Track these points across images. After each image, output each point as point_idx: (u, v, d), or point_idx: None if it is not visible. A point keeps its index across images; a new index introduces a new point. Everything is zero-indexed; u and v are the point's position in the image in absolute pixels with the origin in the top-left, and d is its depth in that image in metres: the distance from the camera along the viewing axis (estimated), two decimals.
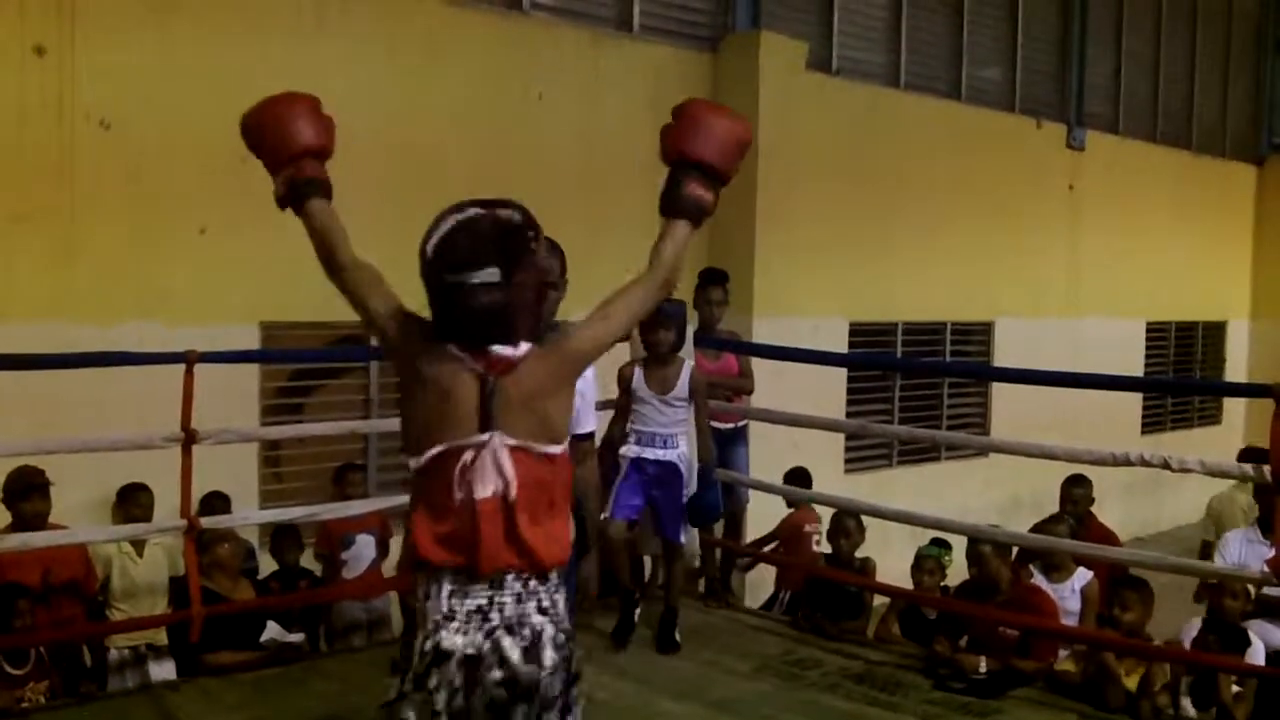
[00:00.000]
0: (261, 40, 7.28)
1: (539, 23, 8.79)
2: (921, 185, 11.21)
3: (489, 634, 2.45)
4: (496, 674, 2.43)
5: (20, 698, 5.23)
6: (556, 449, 2.55)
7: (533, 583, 2.50)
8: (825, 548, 7.17)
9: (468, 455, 2.46)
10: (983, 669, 5.53)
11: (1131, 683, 5.26)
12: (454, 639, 2.44)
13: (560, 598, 2.55)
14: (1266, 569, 4.94)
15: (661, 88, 9.42)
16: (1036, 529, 6.85)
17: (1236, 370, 16.50)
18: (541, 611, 2.50)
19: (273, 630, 5.86)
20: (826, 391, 9.73)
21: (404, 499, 6.27)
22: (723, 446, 6.67)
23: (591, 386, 3.53)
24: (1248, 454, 6.72)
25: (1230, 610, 5.50)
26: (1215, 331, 16.45)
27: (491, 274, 2.45)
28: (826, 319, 10.05)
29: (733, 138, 2.93)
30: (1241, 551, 6.23)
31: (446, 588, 2.47)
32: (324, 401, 7.98)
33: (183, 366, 5.34)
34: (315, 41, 7.52)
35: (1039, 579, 6.30)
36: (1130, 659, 5.34)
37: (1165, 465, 5.28)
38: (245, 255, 7.18)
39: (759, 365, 7.31)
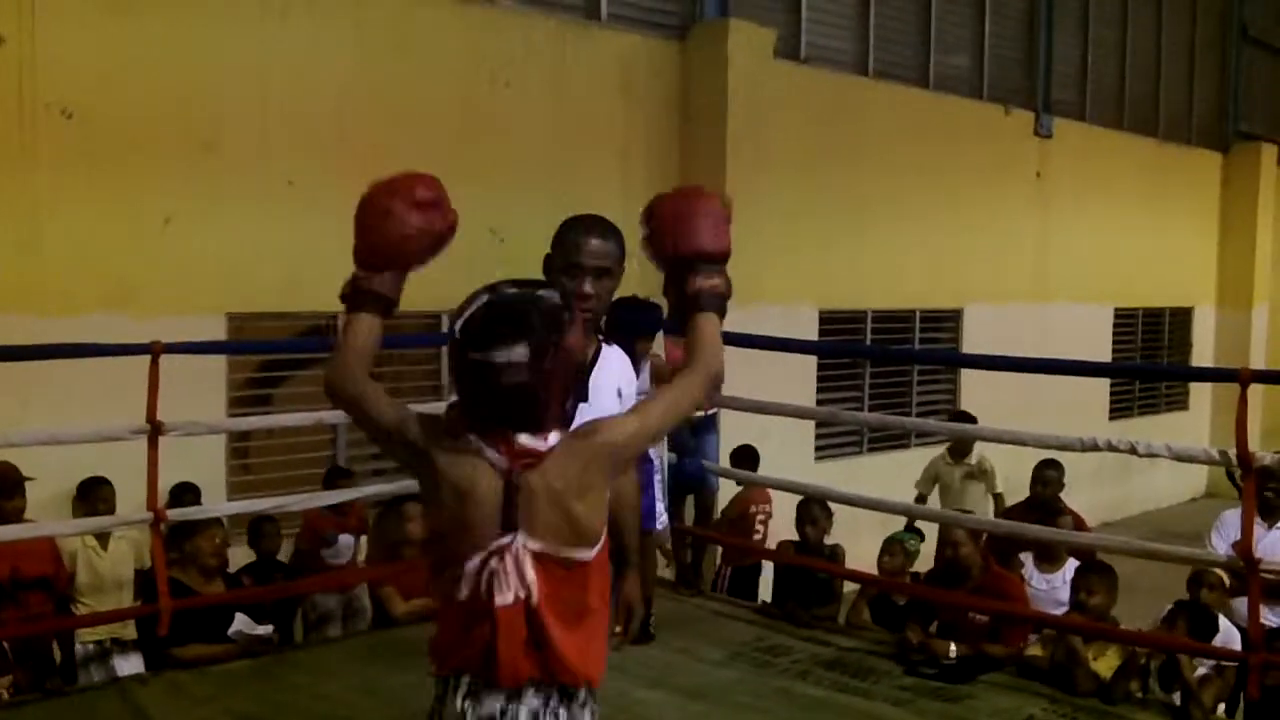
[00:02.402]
0: (225, 28, 7.23)
1: (506, 11, 8.75)
2: (890, 173, 11.23)
3: None
4: None
5: None
6: (588, 553, 2.38)
7: (553, 700, 2.36)
8: (772, 530, 7.22)
9: (490, 560, 2.31)
10: (953, 654, 5.55)
11: (1100, 667, 5.29)
12: None
13: (587, 715, 2.41)
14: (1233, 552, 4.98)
15: (630, 76, 9.43)
16: (1007, 515, 6.90)
17: (1203, 356, 16.62)
18: None
19: (241, 622, 5.81)
20: (797, 379, 9.74)
21: (373, 489, 6.34)
22: (693, 435, 6.68)
23: (633, 388, 3.39)
24: None
25: (1208, 602, 5.55)
26: (1182, 317, 16.56)
27: (520, 353, 2.31)
28: (796, 307, 10.06)
29: (715, 215, 2.78)
30: (1237, 530, 6.26)
31: (463, 688, 2.35)
32: (292, 393, 7.93)
33: (148, 358, 5.29)
34: (280, 30, 7.46)
35: (1029, 569, 6.33)
36: (1098, 643, 5.37)
37: (1133, 450, 5.32)
38: (211, 246, 7.13)
39: (729, 353, 7.29)
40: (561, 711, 2.36)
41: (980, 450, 8.50)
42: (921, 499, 8.66)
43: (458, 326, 2.38)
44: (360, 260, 2.69)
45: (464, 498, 2.33)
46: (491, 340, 2.32)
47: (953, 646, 5.59)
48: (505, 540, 2.30)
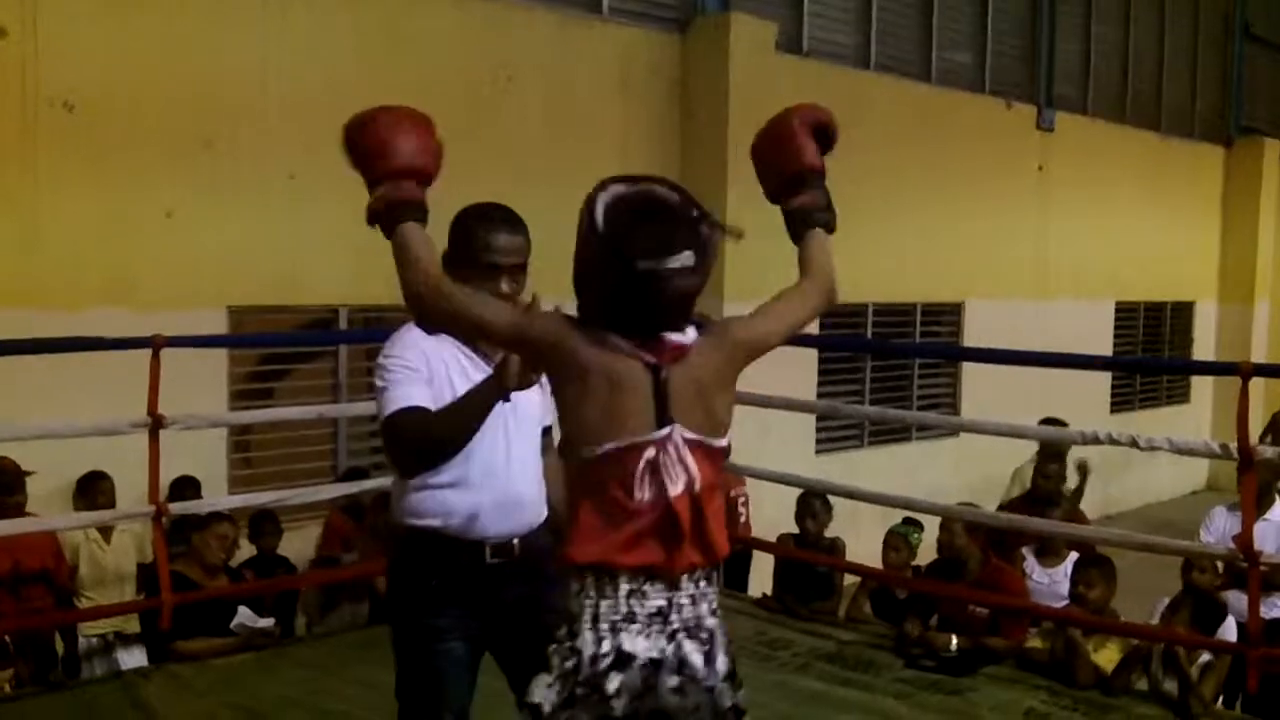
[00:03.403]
0: (226, 23, 7.23)
1: (506, 6, 8.74)
2: (892, 167, 11.22)
3: (671, 637, 2.31)
4: (674, 680, 2.30)
5: None
6: (725, 441, 2.40)
7: (703, 583, 2.36)
8: (748, 514, 7.25)
9: (650, 451, 2.29)
10: (954, 647, 5.57)
11: (1101, 659, 5.30)
12: (636, 642, 2.29)
13: (716, 597, 2.42)
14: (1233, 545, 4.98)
15: (630, 70, 9.43)
16: (1008, 508, 6.89)
17: (1204, 350, 16.62)
18: (713, 613, 2.38)
19: (243, 616, 5.82)
20: (797, 373, 9.74)
21: (373, 483, 6.35)
22: None
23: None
24: None
25: (1199, 584, 5.55)
26: (1183, 312, 16.56)
27: (687, 259, 2.27)
28: None
29: (805, 135, 2.81)
30: (1225, 526, 6.28)
31: (624, 588, 2.31)
32: (294, 386, 7.94)
33: (149, 352, 5.30)
34: (280, 24, 7.46)
35: (1030, 562, 6.33)
36: (1099, 636, 5.38)
37: (1134, 444, 5.32)
38: (212, 239, 7.14)
39: None
40: (710, 593, 2.38)
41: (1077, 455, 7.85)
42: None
43: (603, 223, 2.31)
44: (376, 175, 2.63)
45: (615, 388, 2.30)
46: (659, 249, 2.27)
47: (953, 639, 5.60)
48: (664, 432, 2.30)
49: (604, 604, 2.31)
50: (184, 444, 5.91)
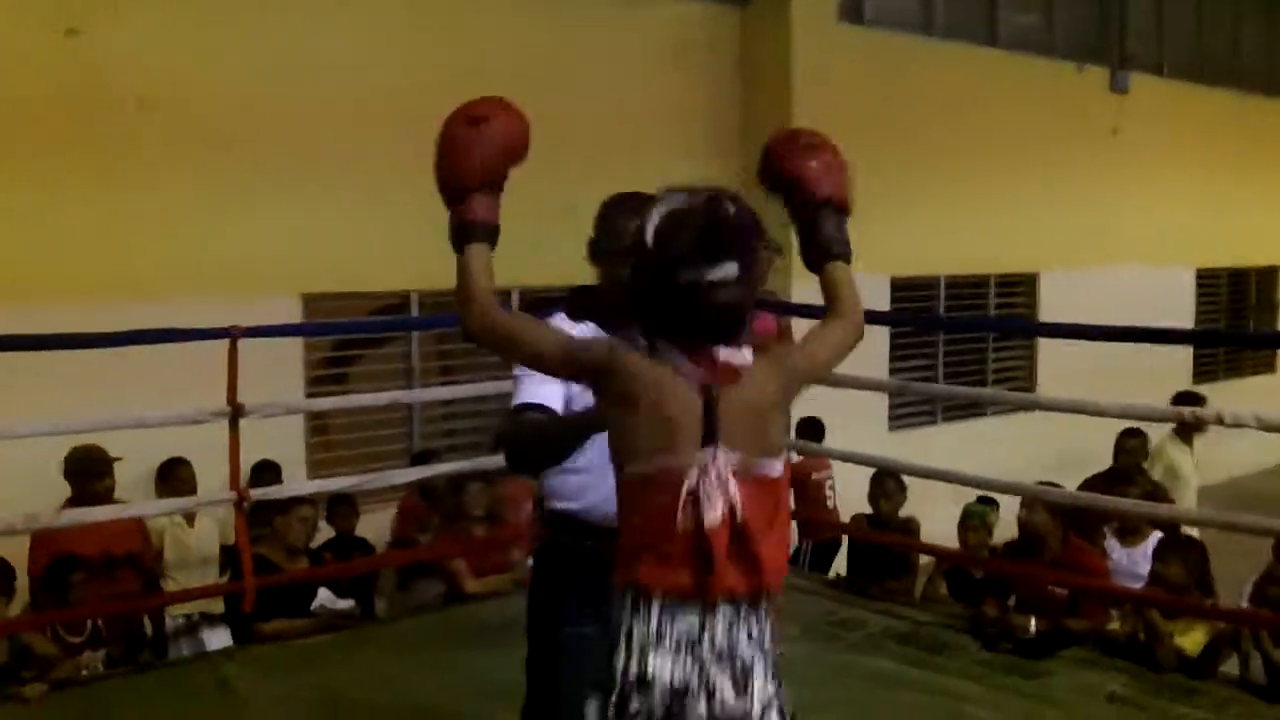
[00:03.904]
0: (290, 14, 7.32)
1: None
2: (960, 135, 11.06)
3: (698, 662, 2.26)
4: (702, 708, 2.25)
5: (80, 666, 5.32)
6: (779, 466, 2.35)
7: (744, 609, 2.29)
8: (835, 497, 7.22)
9: (692, 475, 2.25)
10: (1032, 630, 5.51)
11: (1186, 643, 5.22)
12: (661, 666, 2.26)
13: (768, 626, 2.35)
14: None
15: (690, 46, 9.38)
16: (1088, 485, 6.81)
17: None
18: (751, 640, 2.30)
19: (324, 597, 5.93)
20: (869, 348, 9.54)
21: (448, 467, 6.41)
22: None
23: None
24: None
25: None
26: (1268, 277, 16.18)
27: (730, 270, 2.26)
28: (867, 276, 9.80)
29: (843, 166, 2.79)
30: None
31: (656, 607, 2.28)
32: (367, 370, 8.03)
33: (228, 341, 5.39)
34: (342, 13, 7.56)
35: (1111, 542, 6.26)
36: (1185, 619, 5.30)
37: (1219, 421, 5.21)
38: (285, 227, 7.22)
39: (799, 325, 7.27)
40: (751, 619, 2.30)
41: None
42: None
43: (650, 241, 2.31)
44: (447, 193, 2.63)
45: (664, 406, 2.28)
46: (700, 259, 2.26)
47: (1032, 622, 5.55)
48: (707, 455, 2.26)
49: (637, 624, 2.29)
50: (263, 429, 5.98)
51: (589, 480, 3.04)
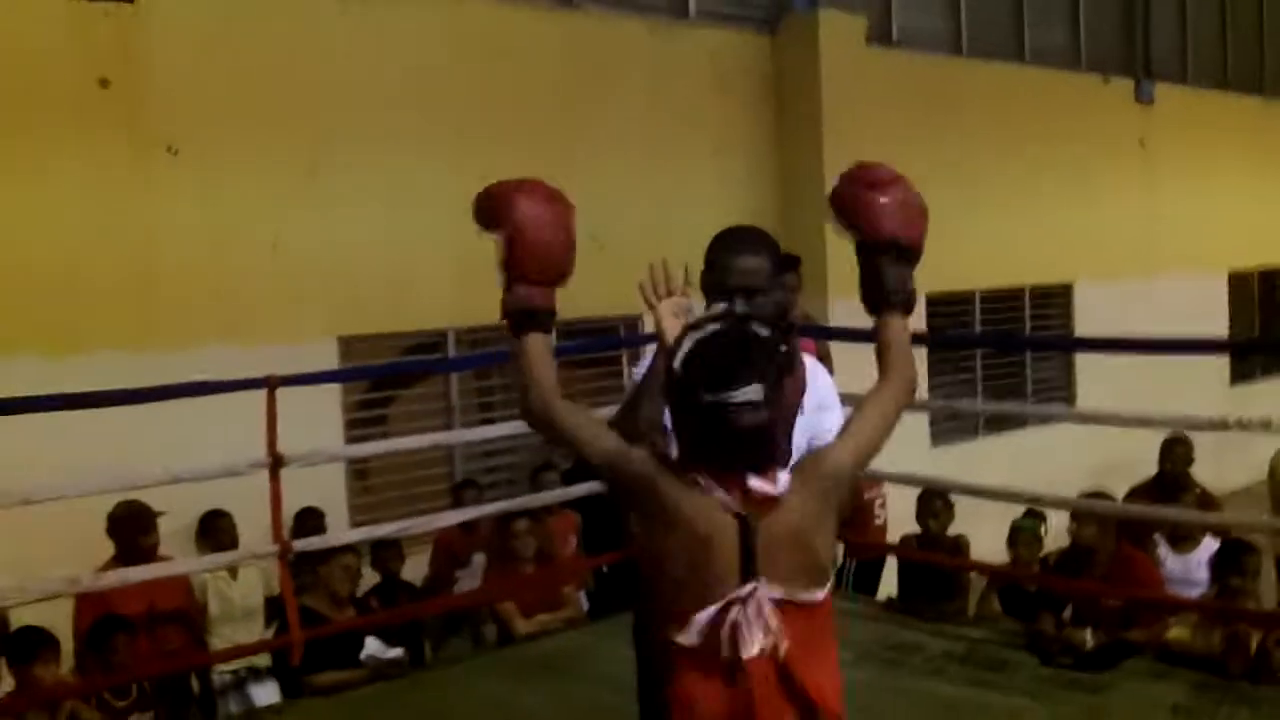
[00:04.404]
0: (320, 48, 7.36)
1: (595, 17, 8.75)
2: (991, 151, 11.05)
3: None
4: None
5: None
6: (821, 594, 2.31)
7: None
8: (885, 515, 7.16)
9: (733, 611, 2.22)
10: (1089, 642, 5.42)
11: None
12: None
13: None
14: None
15: (722, 72, 9.42)
16: (1135, 494, 6.72)
17: None
18: None
19: (372, 646, 5.85)
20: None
21: (494, 507, 6.37)
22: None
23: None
24: None
25: None
26: None
27: (754, 392, 2.23)
28: None
29: (923, 214, 2.77)
30: None
31: None
32: (406, 410, 8.01)
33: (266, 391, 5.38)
34: (376, 48, 7.58)
35: (1164, 550, 6.17)
36: (1242, 625, 5.20)
37: (1265, 427, 5.13)
38: (318, 270, 7.22)
39: (838, 349, 7.21)
40: None
41: None
42: None
43: (679, 366, 2.30)
44: (525, 278, 2.61)
45: (703, 543, 2.24)
46: (724, 380, 2.24)
47: (1089, 634, 5.45)
48: (745, 590, 2.22)
49: None
50: (303, 475, 5.95)
51: None
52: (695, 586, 2.24)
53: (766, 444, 2.28)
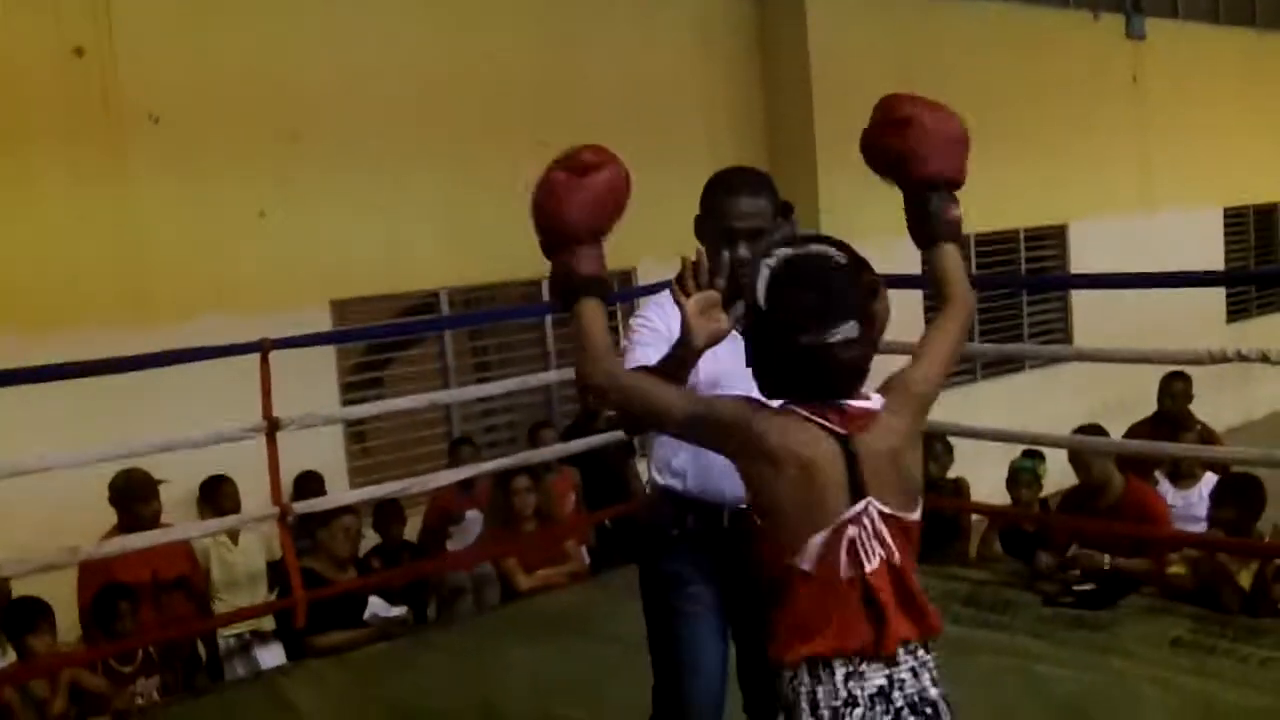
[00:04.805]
0: (301, 16, 7.30)
1: None
2: (981, 93, 10.91)
3: (895, 716, 2.24)
4: None
5: (134, 695, 5.28)
6: (917, 514, 2.33)
7: (921, 652, 2.28)
8: None
9: (850, 530, 2.23)
10: (1106, 565, 5.40)
11: (1244, 582, 5.14)
12: None
13: (936, 664, 2.33)
14: None
15: (709, 31, 9.38)
16: (1135, 431, 6.72)
17: None
18: (934, 683, 2.29)
19: (375, 606, 5.87)
20: (903, 312, 9.50)
21: (492, 464, 6.38)
22: None
23: None
24: None
25: None
26: None
27: (851, 329, 2.22)
28: (896, 238, 9.84)
29: (963, 136, 2.76)
30: None
31: (840, 671, 2.24)
32: (402, 373, 8.00)
33: (259, 355, 5.36)
34: (355, 12, 7.52)
35: (1164, 485, 6.17)
36: (1240, 558, 5.21)
37: (1264, 359, 5.11)
38: (308, 234, 7.20)
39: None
40: (929, 661, 2.30)
41: None
42: None
43: (766, 306, 2.28)
44: (549, 241, 2.60)
45: (809, 469, 2.24)
46: (822, 321, 2.22)
47: (1106, 559, 5.43)
48: (859, 508, 2.23)
49: (821, 690, 2.25)
50: (302, 439, 5.96)
51: (687, 454, 3.06)
52: (808, 512, 2.24)
53: (861, 375, 2.29)
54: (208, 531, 5.95)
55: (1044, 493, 6.58)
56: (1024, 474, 6.38)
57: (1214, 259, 14.13)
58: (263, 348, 5.36)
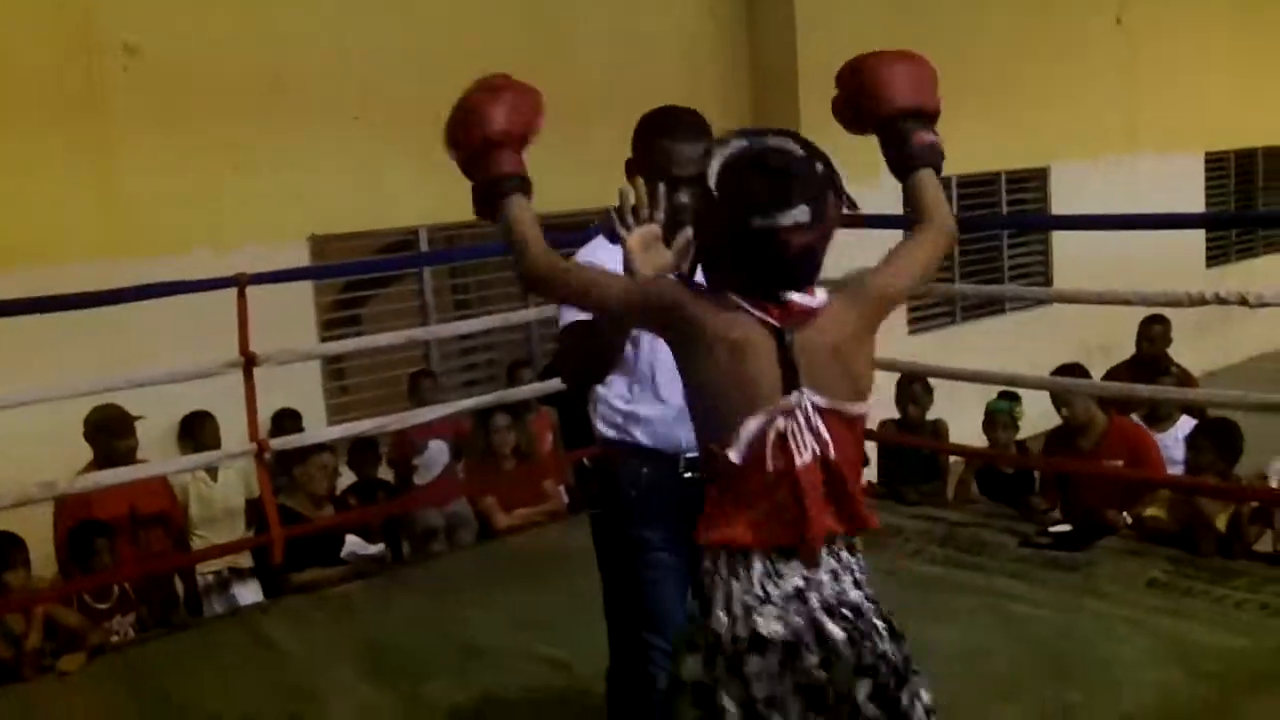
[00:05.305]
0: None
1: None
2: (961, 33, 10.87)
3: (809, 618, 2.19)
4: (814, 658, 2.18)
5: (110, 631, 5.28)
6: (864, 407, 2.27)
7: (845, 555, 2.24)
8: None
9: (780, 421, 2.18)
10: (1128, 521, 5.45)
11: (1219, 523, 5.18)
12: (772, 625, 2.18)
13: (865, 566, 2.28)
14: None
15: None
16: (1114, 374, 6.73)
17: None
18: (857, 585, 2.23)
19: (352, 544, 5.88)
20: (883, 254, 9.57)
21: (469, 401, 6.36)
22: None
23: None
24: None
25: None
26: (1275, 155, 15.98)
27: (803, 213, 2.16)
28: (879, 180, 9.78)
29: (930, 73, 2.68)
30: None
31: (758, 567, 2.21)
32: (381, 310, 7.96)
33: (235, 290, 5.32)
34: None
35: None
36: (1220, 501, 5.24)
37: (1243, 301, 5.12)
38: (287, 171, 7.12)
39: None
40: (854, 565, 2.25)
41: None
42: None
43: (716, 182, 2.24)
44: (468, 156, 2.57)
45: (740, 353, 2.19)
46: (774, 204, 2.16)
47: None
48: (792, 399, 2.18)
49: (735, 585, 2.22)
50: (280, 377, 5.94)
51: (641, 404, 3.01)
52: (738, 396, 2.20)
53: (812, 264, 2.24)
54: (184, 468, 5.93)
55: (1022, 435, 6.58)
56: (1000, 415, 6.36)
57: (1194, 204, 14.09)
58: (239, 283, 5.32)
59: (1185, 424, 6.07)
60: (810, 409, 2.19)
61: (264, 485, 5.58)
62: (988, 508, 6.10)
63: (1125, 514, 5.50)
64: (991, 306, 11.54)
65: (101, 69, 6.54)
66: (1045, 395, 6.11)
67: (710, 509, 2.26)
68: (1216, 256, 14.63)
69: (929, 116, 2.64)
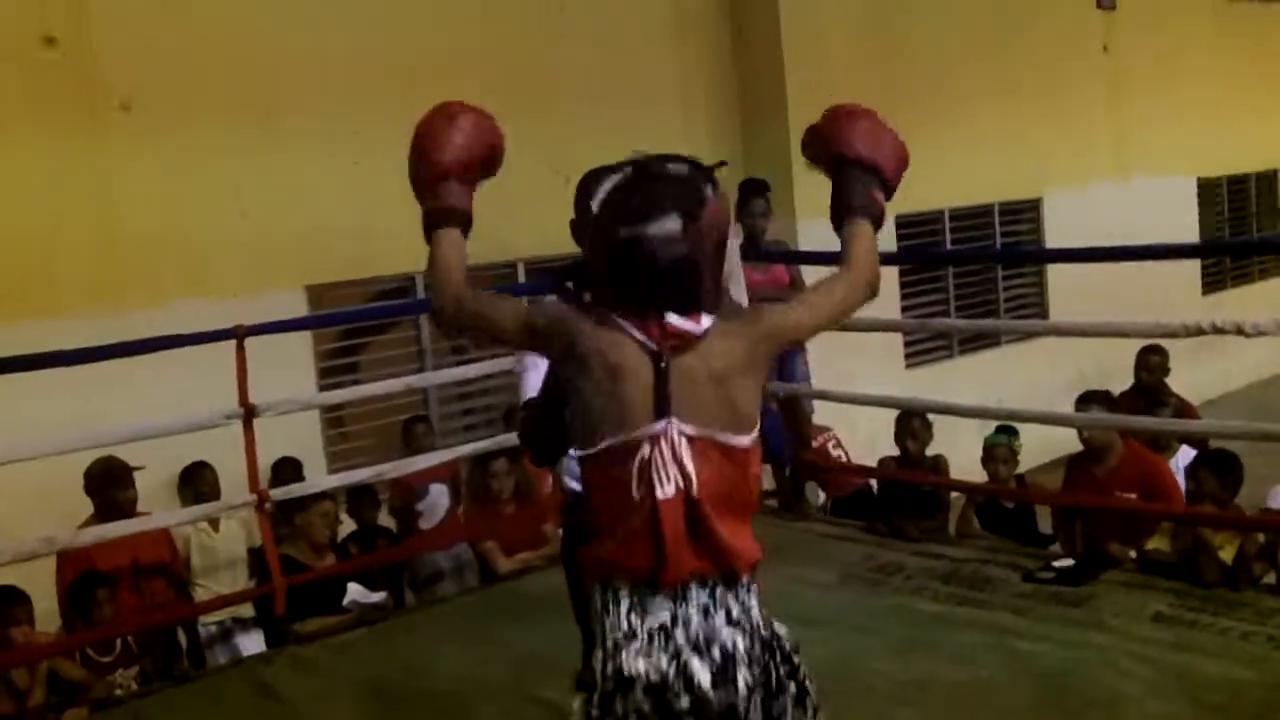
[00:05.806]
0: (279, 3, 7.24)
1: None
2: (952, 64, 10.94)
3: (674, 656, 2.16)
4: (684, 702, 2.14)
5: (113, 684, 5.26)
6: (745, 439, 2.24)
7: (719, 590, 2.20)
8: (844, 454, 7.18)
9: (644, 449, 2.17)
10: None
11: (1226, 556, 5.16)
12: (636, 663, 2.15)
13: (754, 603, 2.24)
14: None
15: (684, 11, 9.31)
16: (1111, 405, 6.72)
17: None
18: (732, 624, 2.19)
19: (354, 592, 5.87)
20: (880, 288, 9.60)
21: (470, 445, 6.36)
22: (780, 359, 6.57)
23: None
24: None
25: None
26: (1267, 181, 16.04)
27: (672, 223, 2.18)
28: None
29: (900, 150, 2.72)
30: None
31: (624, 602, 2.19)
32: (379, 357, 7.97)
33: (234, 342, 5.34)
34: None
35: None
36: (1224, 533, 5.23)
37: (1239, 331, 5.13)
38: (283, 219, 7.15)
39: (810, 271, 7.18)
40: (730, 601, 2.21)
41: None
42: None
43: (596, 204, 2.28)
44: (419, 184, 2.56)
45: (614, 373, 2.19)
46: (640, 214, 2.19)
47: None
48: (659, 426, 2.17)
49: (608, 620, 2.21)
50: (279, 425, 5.93)
51: None
52: (606, 415, 2.20)
53: (687, 281, 2.22)
54: (185, 520, 5.91)
55: (1020, 469, 6.56)
56: (999, 449, 6.34)
57: (1188, 230, 14.14)
58: (237, 334, 5.33)
59: (1185, 454, 6.07)
60: (677, 438, 2.17)
61: (266, 535, 5.57)
62: (990, 543, 6.08)
63: (1130, 550, 5.47)
64: (989, 339, 11.55)
65: (98, 123, 6.60)
66: (1043, 427, 6.11)
67: (589, 529, 2.28)
68: (1213, 283, 14.67)
69: (882, 177, 2.65)
